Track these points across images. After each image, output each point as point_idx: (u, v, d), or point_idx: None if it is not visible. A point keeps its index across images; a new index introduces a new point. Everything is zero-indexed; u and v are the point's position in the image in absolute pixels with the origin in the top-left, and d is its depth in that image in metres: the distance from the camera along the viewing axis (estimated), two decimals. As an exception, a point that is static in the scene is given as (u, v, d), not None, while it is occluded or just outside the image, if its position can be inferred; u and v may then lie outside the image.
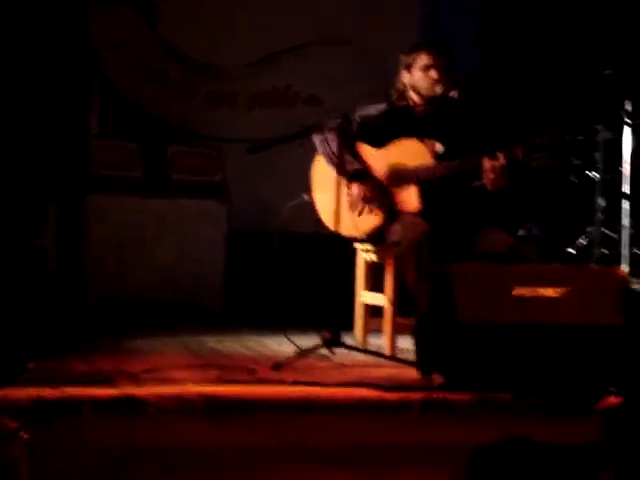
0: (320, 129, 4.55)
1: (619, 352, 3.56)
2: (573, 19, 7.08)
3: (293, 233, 5.54)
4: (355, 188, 4.50)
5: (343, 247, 4.64)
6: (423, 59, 4.58)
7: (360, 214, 4.49)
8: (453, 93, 4.50)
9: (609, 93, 5.94)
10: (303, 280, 6.14)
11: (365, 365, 4.22)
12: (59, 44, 6.25)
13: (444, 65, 4.57)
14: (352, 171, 4.49)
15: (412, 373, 3.86)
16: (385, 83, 4.85)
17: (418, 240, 4.26)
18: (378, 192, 4.52)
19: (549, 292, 3.66)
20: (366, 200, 4.50)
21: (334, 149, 4.44)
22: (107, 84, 6.41)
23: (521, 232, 6.60)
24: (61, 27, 6.28)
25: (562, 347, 3.59)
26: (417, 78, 4.60)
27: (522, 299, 3.65)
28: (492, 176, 4.28)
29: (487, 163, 4.28)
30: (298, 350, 4.27)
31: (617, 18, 6.97)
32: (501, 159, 4.26)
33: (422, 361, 3.83)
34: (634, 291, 3.72)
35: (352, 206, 4.49)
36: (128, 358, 4.20)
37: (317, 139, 4.61)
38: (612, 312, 3.61)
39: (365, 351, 4.44)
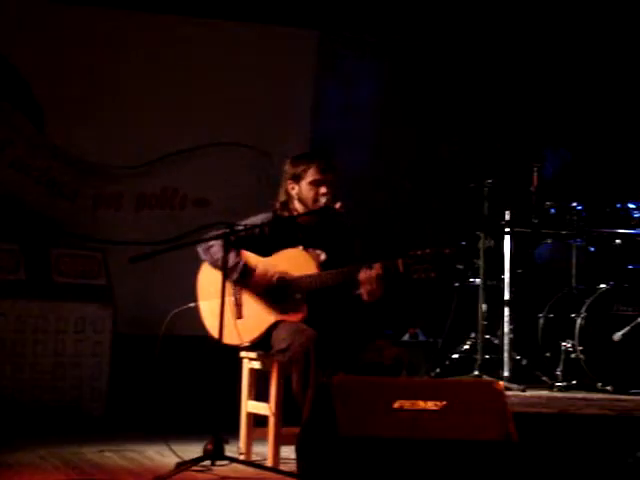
0: (204, 239, 4.57)
1: (501, 468, 3.60)
2: (457, 129, 7.31)
3: (180, 335, 5.49)
4: (258, 266, 4.51)
5: (229, 353, 4.62)
6: (312, 174, 4.64)
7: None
8: (338, 205, 4.56)
9: (490, 201, 6.12)
10: (189, 385, 6.08)
11: (247, 477, 4.18)
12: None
13: (332, 180, 4.64)
14: (242, 268, 4.49)
15: (295, 486, 3.84)
16: (274, 186, 4.90)
17: (306, 346, 4.27)
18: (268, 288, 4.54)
19: (429, 406, 3.69)
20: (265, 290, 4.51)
21: (217, 255, 4.46)
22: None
23: (406, 337, 6.68)
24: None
25: (444, 462, 3.60)
26: (304, 191, 4.65)
27: (403, 413, 3.66)
28: (368, 287, 4.36)
29: (363, 274, 4.35)
30: (179, 462, 4.20)
31: (497, 130, 7.22)
32: (376, 270, 4.34)
33: (303, 474, 3.81)
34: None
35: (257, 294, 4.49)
36: (2, 475, 4.05)
37: (201, 249, 4.62)
38: (492, 427, 3.65)
39: (247, 463, 4.40)
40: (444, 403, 3.71)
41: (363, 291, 4.38)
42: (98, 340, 5.92)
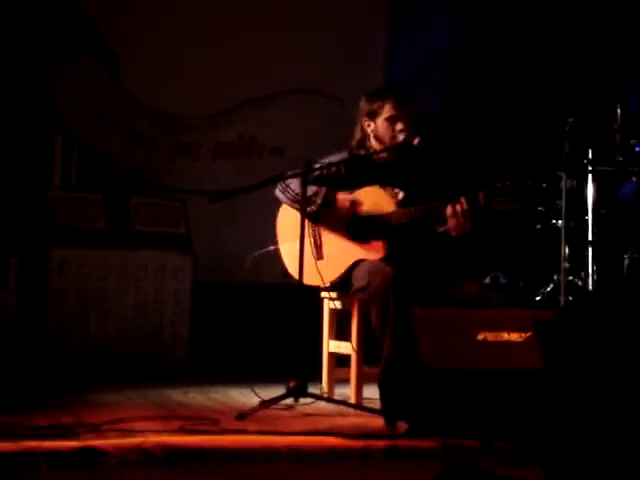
0: (283, 178, 4.54)
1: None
2: (536, 68, 7.16)
3: (259, 283, 5.51)
4: (340, 195, 4.48)
5: (309, 296, 4.60)
6: (388, 110, 4.56)
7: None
8: (416, 140, 4.48)
9: (571, 141, 5.97)
10: (270, 330, 6.10)
11: (330, 414, 4.18)
12: (19, 96, 6.24)
13: (408, 114, 4.56)
14: (322, 198, 4.46)
15: (378, 422, 3.83)
16: (350, 133, 4.85)
17: (385, 284, 4.21)
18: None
19: (513, 337, 3.64)
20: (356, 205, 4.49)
21: (297, 190, 4.43)
22: (69, 136, 6.37)
23: (487, 280, 6.60)
24: (22, 79, 6.27)
25: (527, 391, 3.55)
26: (381, 128, 4.58)
27: (486, 344, 3.62)
28: (455, 221, 4.27)
29: (450, 209, 4.27)
30: (262, 400, 4.22)
31: (578, 67, 7.05)
32: (464, 204, 4.25)
33: (387, 408, 3.79)
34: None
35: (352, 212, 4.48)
36: (89, 411, 4.12)
37: (279, 190, 4.60)
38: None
39: (329, 400, 4.39)
40: (529, 334, 3.65)
41: (451, 226, 4.30)
42: (178, 288, 5.96)
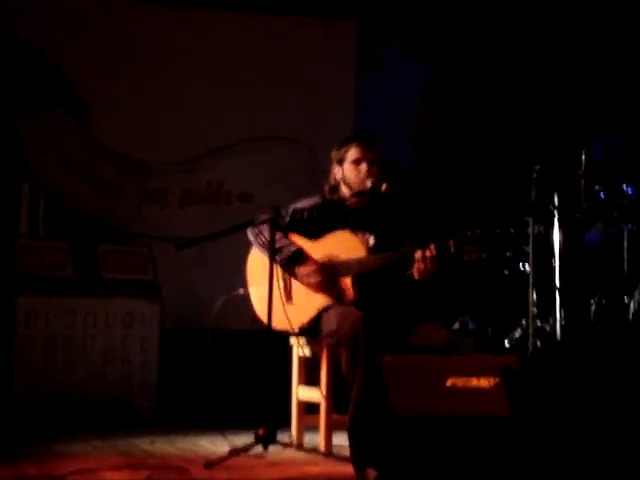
0: (253, 223, 4.54)
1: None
2: (502, 117, 7.24)
3: (228, 329, 5.49)
4: (301, 269, 4.49)
5: (279, 342, 4.59)
6: (353, 153, 4.63)
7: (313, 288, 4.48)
8: (383, 187, 4.51)
9: (538, 187, 6.02)
10: (239, 377, 6.06)
11: (299, 463, 4.16)
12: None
13: (373, 158, 4.61)
14: (291, 253, 4.49)
15: (347, 469, 3.79)
16: (318, 179, 4.89)
17: (355, 328, 4.24)
18: (322, 270, 4.50)
19: (482, 383, 3.64)
20: (315, 277, 4.48)
21: (267, 238, 4.44)
22: (36, 183, 6.35)
23: (456, 326, 6.61)
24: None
25: (497, 439, 3.54)
26: (347, 172, 4.64)
27: (455, 390, 3.61)
28: (422, 266, 4.30)
29: (419, 253, 4.30)
30: (231, 449, 4.18)
31: (544, 115, 7.14)
32: (433, 251, 4.28)
33: (356, 455, 3.75)
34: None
35: (306, 283, 4.47)
36: (55, 461, 4.07)
37: (251, 233, 4.61)
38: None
39: (299, 448, 4.36)
40: (497, 380, 3.65)
41: (415, 269, 4.33)
42: (146, 335, 5.90)
